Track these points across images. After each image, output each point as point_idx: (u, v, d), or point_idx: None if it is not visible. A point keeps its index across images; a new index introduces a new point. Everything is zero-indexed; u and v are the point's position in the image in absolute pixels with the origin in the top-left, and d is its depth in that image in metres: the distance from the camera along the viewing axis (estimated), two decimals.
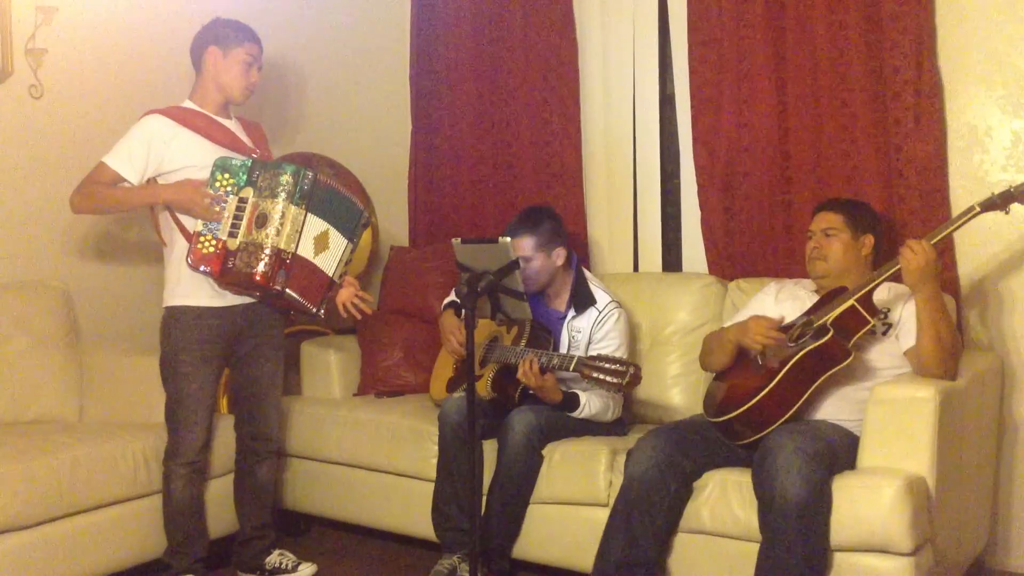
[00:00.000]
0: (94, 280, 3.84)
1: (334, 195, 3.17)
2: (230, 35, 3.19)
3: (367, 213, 3.31)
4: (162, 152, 3.08)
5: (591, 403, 3.21)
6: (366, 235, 4.43)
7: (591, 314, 3.32)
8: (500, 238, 3.08)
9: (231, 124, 3.25)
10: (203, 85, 3.21)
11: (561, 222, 3.44)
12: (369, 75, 4.67)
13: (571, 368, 3.00)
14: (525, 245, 3.28)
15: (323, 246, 3.12)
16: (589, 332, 3.30)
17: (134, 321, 3.85)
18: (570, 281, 3.39)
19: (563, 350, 3.31)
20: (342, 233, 3.16)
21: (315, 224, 3.10)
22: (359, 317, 3.28)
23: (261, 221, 3.01)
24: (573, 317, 3.35)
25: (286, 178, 3.04)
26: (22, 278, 3.61)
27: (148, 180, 3.11)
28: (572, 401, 3.19)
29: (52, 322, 3.53)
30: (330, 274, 3.14)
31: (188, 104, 3.21)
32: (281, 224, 3.02)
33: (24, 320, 3.45)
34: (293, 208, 3.04)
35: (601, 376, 2.87)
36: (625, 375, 2.84)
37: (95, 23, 3.85)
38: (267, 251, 3.00)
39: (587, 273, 3.46)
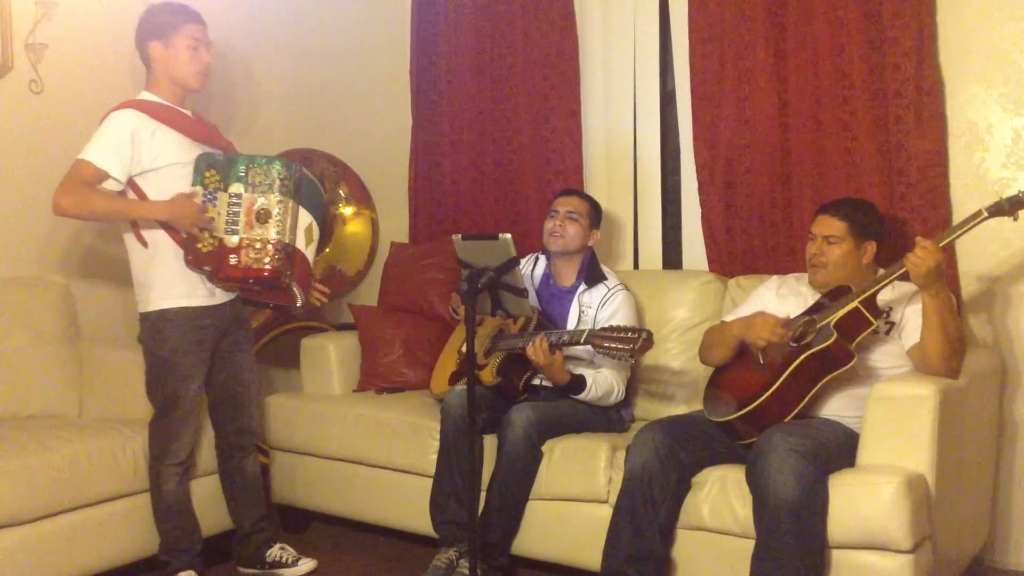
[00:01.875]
0: (94, 276, 3.84)
1: (314, 187, 3.15)
2: (167, 22, 3.05)
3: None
4: (143, 149, 2.97)
5: (597, 385, 3.22)
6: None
7: (600, 290, 3.38)
8: (500, 234, 3.08)
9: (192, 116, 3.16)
10: (156, 80, 3.08)
11: None
12: (370, 71, 4.67)
13: (582, 341, 3.00)
14: (581, 206, 3.48)
15: (310, 238, 3.11)
16: (596, 309, 3.33)
17: (134, 317, 3.84)
18: (582, 261, 3.46)
19: (571, 325, 3.34)
20: (319, 225, 3.16)
21: (303, 217, 3.08)
22: (319, 305, 3.29)
23: (263, 216, 2.97)
24: (583, 291, 3.40)
25: (280, 172, 3.00)
26: (22, 273, 3.61)
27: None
28: (579, 383, 3.20)
29: (52, 318, 3.52)
30: (312, 265, 3.14)
31: (151, 96, 3.07)
32: (282, 218, 2.99)
33: (24, 316, 3.45)
34: (290, 202, 3.02)
35: (613, 344, 2.88)
36: (637, 341, 2.84)
37: (95, 18, 3.85)
38: (273, 245, 2.97)
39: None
